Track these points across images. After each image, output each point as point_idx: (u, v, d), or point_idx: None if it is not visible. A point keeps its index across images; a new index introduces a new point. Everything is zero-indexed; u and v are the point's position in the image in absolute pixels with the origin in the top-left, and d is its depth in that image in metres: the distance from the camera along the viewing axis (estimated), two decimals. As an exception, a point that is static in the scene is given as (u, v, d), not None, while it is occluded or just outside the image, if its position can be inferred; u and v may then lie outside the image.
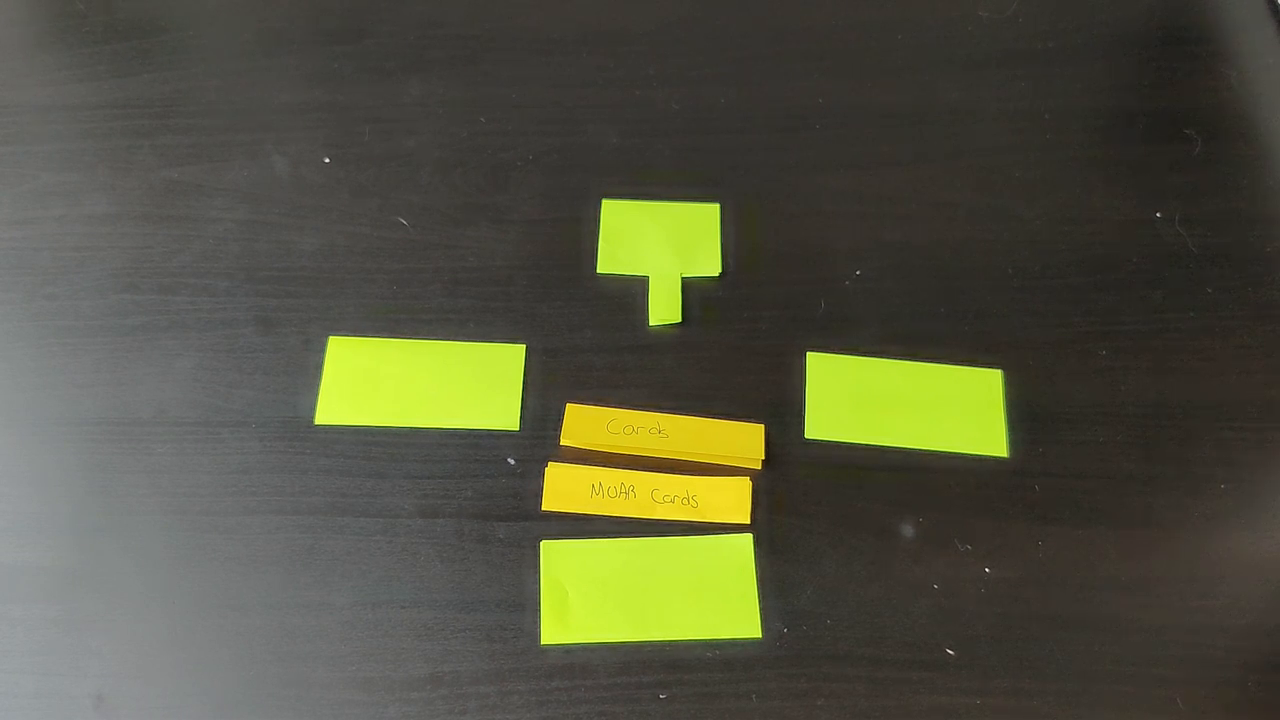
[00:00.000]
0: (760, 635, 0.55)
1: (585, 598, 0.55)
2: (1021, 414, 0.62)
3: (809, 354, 0.63)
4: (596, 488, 0.58)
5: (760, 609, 0.56)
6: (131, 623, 0.56)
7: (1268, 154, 0.70)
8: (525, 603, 0.56)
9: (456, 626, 0.56)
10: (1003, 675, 0.55)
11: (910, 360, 0.63)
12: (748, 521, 0.58)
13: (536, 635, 0.55)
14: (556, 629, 0.55)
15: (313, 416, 0.61)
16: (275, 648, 0.55)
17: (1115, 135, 0.71)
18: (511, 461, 0.60)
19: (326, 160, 0.70)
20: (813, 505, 0.59)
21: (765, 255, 0.67)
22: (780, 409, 0.61)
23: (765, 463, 0.60)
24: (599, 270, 0.66)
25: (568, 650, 0.55)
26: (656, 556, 0.57)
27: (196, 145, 0.70)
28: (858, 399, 0.62)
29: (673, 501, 0.58)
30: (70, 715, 0.53)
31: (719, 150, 0.66)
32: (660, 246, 0.66)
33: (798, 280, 0.66)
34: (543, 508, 0.58)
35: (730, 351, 0.64)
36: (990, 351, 0.63)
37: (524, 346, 0.63)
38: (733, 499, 0.58)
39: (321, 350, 0.63)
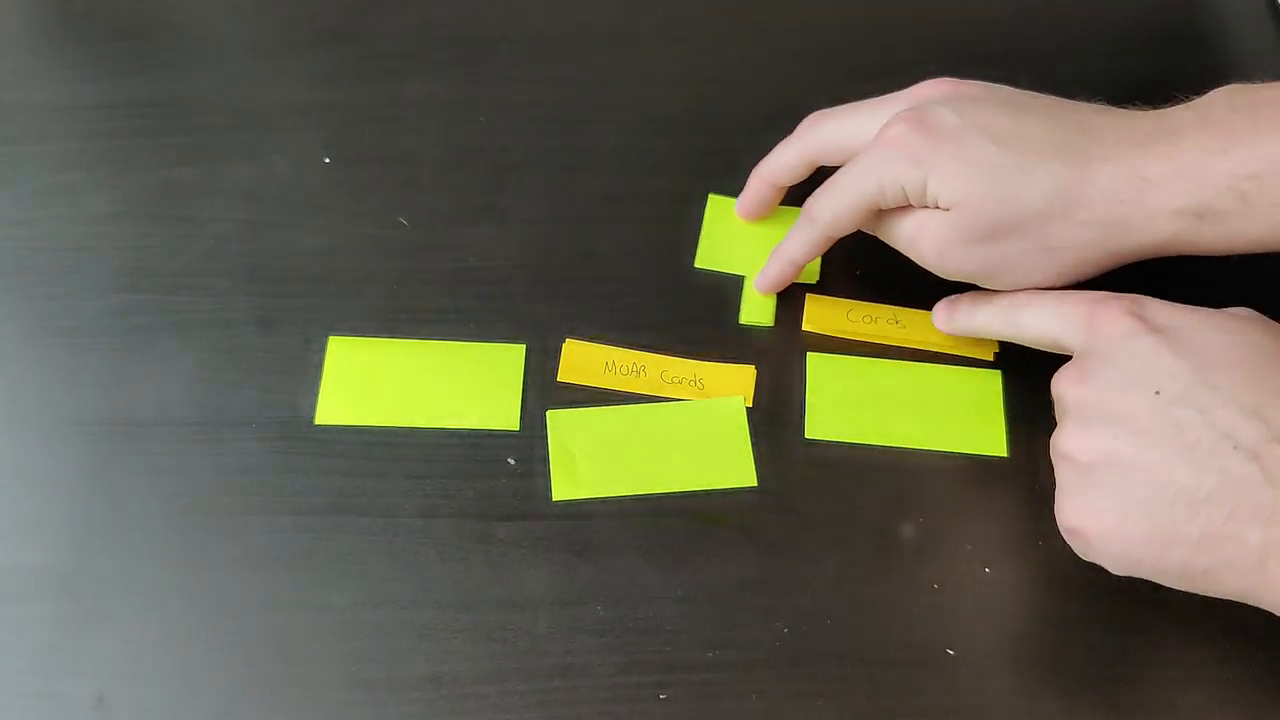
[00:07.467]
0: (755, 483, 0.58)
1: (591, 458, 0.59)
2: (1022, 414, 0.62)
3: (809, 354, 0.63)
4: (610, 365, 0.62)
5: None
6: (131, 623, 0.56)
7: (1268, 154, 0.70)
8: (525, 603, 0.56)
9: (456, 626, 0.56)
10: (1003, 675, 0.55)
11: (910, 360, 0.63)
12: (750, 405, 0.61)
13: (537, 635, 0.55)
14: (566, 486, 0.58)
15: (313, 416, 0.61)
16: (275, 648, 0.55)
17: (1115, 135, 0.71)
18: (511, 461, 0.60)
19: (326, 160, 0.70)
20: (813, 505, 0.59)
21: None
22: (780, 409, 0.61)
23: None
24: (697, 265, 0.65)
25: (568, 649, 0.55)
26: (657, 419, 0.60)
27: (196, 145, 0.70)
28: (858, 399, 0.62)
29: (680, 383, 0.61)
30: (70, 715, 0.53)
31: (720, 150, 0.66)
32: (760, 247, 0.65)
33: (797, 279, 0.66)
34: (558, 379, 0.61)
35: (730, 351, 0.63)
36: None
37: (524, 346, 0.63)
38: (737, 384, 0.62)
39: (321, 350, 0.63)
